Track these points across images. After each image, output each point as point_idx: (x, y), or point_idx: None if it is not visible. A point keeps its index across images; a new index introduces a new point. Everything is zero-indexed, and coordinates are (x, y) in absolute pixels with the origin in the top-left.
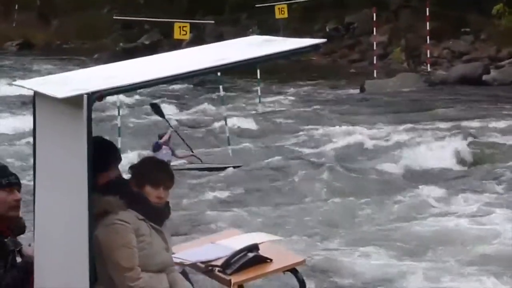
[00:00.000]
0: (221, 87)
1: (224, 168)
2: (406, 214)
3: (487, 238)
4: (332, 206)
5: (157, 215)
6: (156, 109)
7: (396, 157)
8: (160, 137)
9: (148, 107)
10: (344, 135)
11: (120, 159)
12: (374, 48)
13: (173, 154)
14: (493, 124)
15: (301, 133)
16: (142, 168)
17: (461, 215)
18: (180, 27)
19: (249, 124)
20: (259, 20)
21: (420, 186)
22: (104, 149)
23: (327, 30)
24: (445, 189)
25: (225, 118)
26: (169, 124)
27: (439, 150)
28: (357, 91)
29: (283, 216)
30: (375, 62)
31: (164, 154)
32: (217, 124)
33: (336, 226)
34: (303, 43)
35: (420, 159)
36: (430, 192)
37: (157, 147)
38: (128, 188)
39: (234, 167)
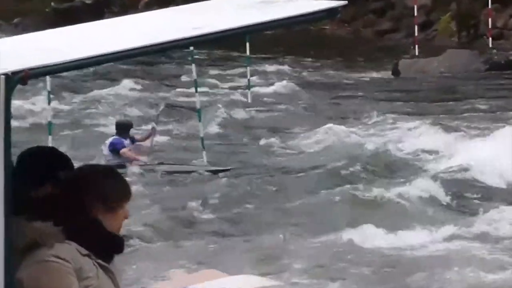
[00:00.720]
0: (193, 67)
1: (191, 172)
2: None
3: None
4: None
5: (108, 248)
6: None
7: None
8: (121, 129)
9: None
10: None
11: (70, 169)
12: (415, 14)
13: (134, 141)
14: None
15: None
16: (87, 182)
17: None
18: None
19: (233, 125)
20: None
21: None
22: (41, 156)
23: None
24: None
25: (198, 113)
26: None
27: None
28: (388, 74)
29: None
30: (416, 33)
31: (128, 149)
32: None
33: None
34: (314, 6)
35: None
36: None
37: (117, 151)
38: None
39: (220, 170)
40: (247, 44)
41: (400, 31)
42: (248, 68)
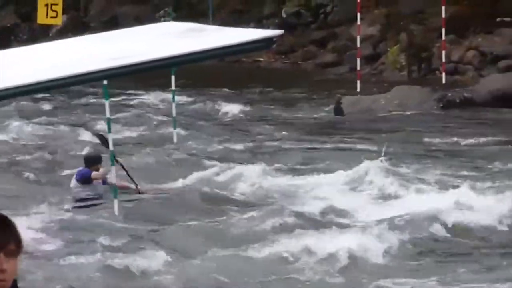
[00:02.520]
0: (107, 105)
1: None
2: None
3: None
4: None
5: None
6: (103, 140)
7: None
8: (90, 163)
9: None
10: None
11: None
12: (358, 45)
13: (105, 183)
14: None
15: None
16: None
17: None
18: (47, 5)
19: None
20: None
21: None
22: None
23: (284, 15)
24: None
25: (112, 159)
26: (114, 157)
27: None
28: (329, 113)
29: None
30: (358, 67)
31: (95, 187)
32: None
33: None
34: (248, 36)
35: None
36: None
37: (87, 178)
38: None
39: None
40: (173, 78)
41: (343, 64)
42: (174, 104)
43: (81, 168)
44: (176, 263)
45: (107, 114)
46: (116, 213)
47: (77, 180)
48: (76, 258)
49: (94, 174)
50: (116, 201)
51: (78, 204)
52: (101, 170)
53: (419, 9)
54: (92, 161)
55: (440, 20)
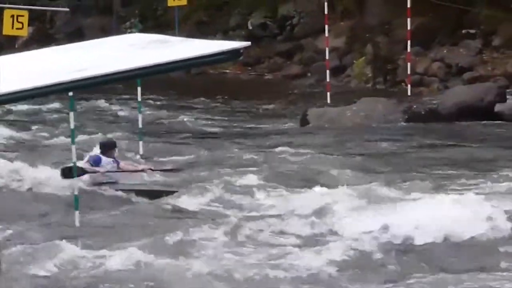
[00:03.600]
0: (72, 116)
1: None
2: None
3: None
4: None
5: None
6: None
7: None
8: (106, 148)
9: None
10: None
11: None
12: (327, 57)
13: (117, 163)
14: None
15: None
16: None
17: None
18: (13, 16)
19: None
20: (143, 8)
21: None
22: None
23: (250, 26)
24: None
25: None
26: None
27: None
28: (296, 124)
29: None
30: (328, 79)
31: (107, 167)
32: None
33: None
34: (215, 47)
35: None
36: None
37: (98, 160)
38: None
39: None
40: (139, 89)
41: (310, 76)
42: (140, 116)
43: (94, 154)
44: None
45: (72, 125)
46: (77, 224)
47: (92, 164)
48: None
49: (122, 165)
50: (77, 213)
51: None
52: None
53: (385, 21)
54: (108, 146)
55: (406, 31)
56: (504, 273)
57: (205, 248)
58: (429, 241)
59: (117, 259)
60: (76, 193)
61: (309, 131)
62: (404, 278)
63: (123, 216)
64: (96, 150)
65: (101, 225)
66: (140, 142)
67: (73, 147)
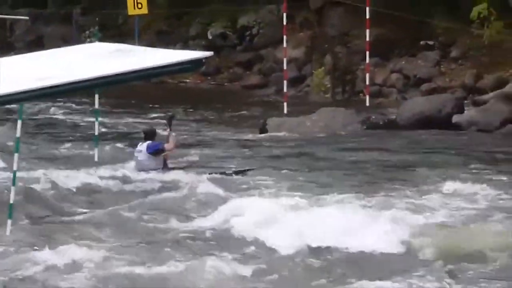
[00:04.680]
0: (19, 124)
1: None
2: None
3: None
4: None
5: None
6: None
7: None
8: (149, 136)
9: None
10: None
11: None
12: (285, 67)
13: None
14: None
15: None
16: None
17: None
18: None
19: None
20: (103, 17)
21: None
22: None
23: (210, 36)
24: None
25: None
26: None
27: None
28: (255, 134)
29: None
30: (285, 89)
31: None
32: None
33: None
34: (176, 57)
35: None
36: None
37: (160, 150)
38: None
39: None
40: (96, 97)
41: (269, 85)
42: (97, 123)
43: (147, 142)
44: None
45: (18, 134)
46: (8, 233)
47: (150, 153)
48: None
49: (168, 145)
50: (9, 222)
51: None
52: (170, 141)
53: (344, 32)
54: (151, 134)
55: (365, 42)
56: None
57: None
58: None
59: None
60: (11, 201)
61: (267, 140)
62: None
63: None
64: (142, 149)
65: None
66: (96, 149)
67: (16, 155)
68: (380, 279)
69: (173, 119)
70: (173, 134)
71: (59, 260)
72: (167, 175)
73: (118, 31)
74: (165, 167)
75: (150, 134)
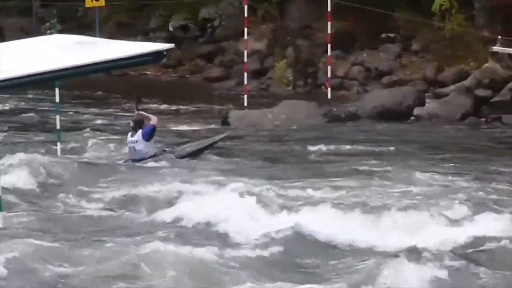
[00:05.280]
0: None
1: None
2: None
3: None
4: None
5: None
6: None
7: None
8: (138, 125)
9: None
10: None
11: None
12: (245, 59)
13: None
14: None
15: None
16: None
17: None
18: None
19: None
20: (63, 9)
21: None
22: None
23: (171, 28)
24: None
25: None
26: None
27: None
28: (217, 126)
29: None
30: (246, 82)
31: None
32: None
33: None
34: (137, 49)
35: None
36: None
37: (153, 131)
38: None
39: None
40: (57, 90)
41: (230, 78)
42: (58, 117)
43: (139, 131)
44: None
45: None
46: (0, 225)
47: (147, 139)
48: None
49: (152, 121)
50: (1, 214)
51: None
52: (149, 116)
53: (305, 24)
54: (139, 123)
55: (326, 35)
56: None
57: None
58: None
59: None
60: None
61: (230, 133)
62: None
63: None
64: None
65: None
66: (58, 143)
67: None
68: None
69: (140, 100)
70: (141, 112)
71: None
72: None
73: (78, 23)
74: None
75: (138, 123)
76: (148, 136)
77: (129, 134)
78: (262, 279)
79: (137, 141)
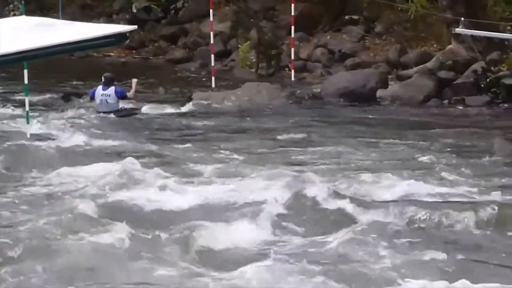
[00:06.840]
0: None
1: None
2: None
3: None
4: None
5: None
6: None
7: None
8: (109, 81)
9: None
10: None
11: None
12: (212, 41)
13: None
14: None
15: None
16: None
17: None
18: None
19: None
20: None
21: None
22: None
23: (134, 10)
24: None
25: None
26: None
27: None
28: (179, 109)
29: None
30: (213, 64)
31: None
32: None
33: None
34: (100, 31)
35: None
36: None
37: (125, 94)
38: None
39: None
40: (25, 71)
41: (194, 60)
42: (27, 99)
43: (116, 87)
44: None
45: None
46: None
47: (120, 98)
48: None
49: (129, 94)
50: None
51: (121, 113)
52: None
53: (269, 6)
54: (110, 79)
55: (290, 17)
56: None
57: None
58: None
59: None
60: None
61: (192, 115)
62: None
63: None
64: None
65: None
66: (27, 125)
67: None
68: None
69: (114, 79)
70: (134, 80)
71: None
72: None
73: (41, 5)
74: (123, 110)
75: (109, 79)
76: (121, 96)
77: (100, 87)
78: None
79: (109, 95)
